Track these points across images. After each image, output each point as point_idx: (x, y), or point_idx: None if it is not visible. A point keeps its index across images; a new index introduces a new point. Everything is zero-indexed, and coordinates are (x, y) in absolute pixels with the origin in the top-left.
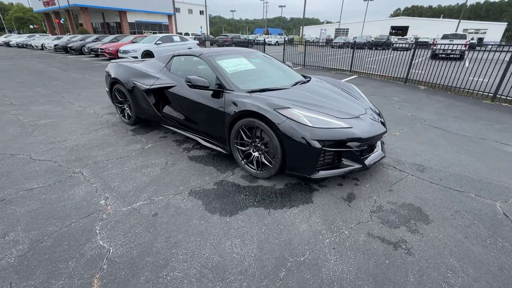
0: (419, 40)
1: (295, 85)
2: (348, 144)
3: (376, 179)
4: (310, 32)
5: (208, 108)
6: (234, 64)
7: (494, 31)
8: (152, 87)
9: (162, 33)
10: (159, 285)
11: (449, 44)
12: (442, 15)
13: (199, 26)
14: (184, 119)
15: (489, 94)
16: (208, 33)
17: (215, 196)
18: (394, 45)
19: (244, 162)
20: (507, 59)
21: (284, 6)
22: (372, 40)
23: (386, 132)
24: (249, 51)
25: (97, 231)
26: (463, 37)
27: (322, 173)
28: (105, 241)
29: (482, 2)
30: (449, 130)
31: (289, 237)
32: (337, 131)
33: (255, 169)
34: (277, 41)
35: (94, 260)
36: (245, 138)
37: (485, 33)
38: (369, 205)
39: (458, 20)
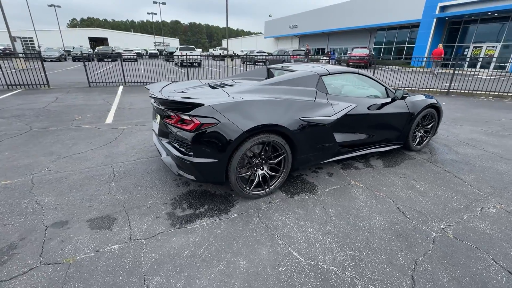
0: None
1: None
2: None
3: None
4: None
5: (397, 115)
6: None
7: (173, 43)
8: (338, 116)
9: None
10: None
11: (190, 55)
12: (132, 30)
13: None
14: (362, 139)
15: None
16: None
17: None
18: (124, 56)
19: (415, 145)
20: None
21: None
22: (98, 51)
23: None
24: None
25: None
26: (192, 49)
27: None
28: None
29: (145, 21)
30: None
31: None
32: None
33: (419, 146)
34: None
35: None
36: (423, 125)
37: (168, 44)
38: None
39: (150, 35)
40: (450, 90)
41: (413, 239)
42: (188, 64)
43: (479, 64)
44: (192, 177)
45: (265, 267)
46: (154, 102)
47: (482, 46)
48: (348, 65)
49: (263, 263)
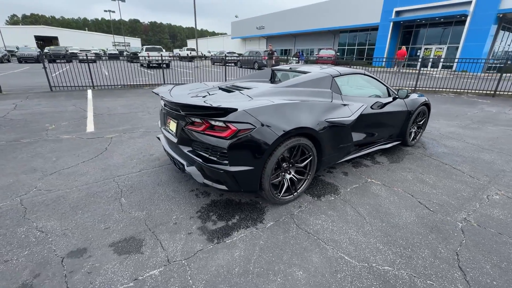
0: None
1: None
2: None
3: None
4: None
5: (399, 113)
6: None
7: (134, 43)
8: (355, 116)
9: None
10: None
11: (158, 57)
12: (86, 28)
13: None
14: (371, 137)
15: None
16: None
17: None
18: (79, 57)
19: (410, 140)
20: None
21: None
22: (49, 51)
23: None
24: None
25: None
26: (160, 50)
27: None
28: None
29: (100, 19)
30: None
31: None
32: None
33: (414, 141)
34: None
35: None
36: (416, 121)
37: (129, 44)
38: None
39: (107, 34)
40: (417, 88)
41: (445, 230)
42: (155, 65)
43: (430, 64)
44: (222, 187)
45: (324, 275)
46: (166, 107)
47: (431, 48)
48: None
49: (320, 271)
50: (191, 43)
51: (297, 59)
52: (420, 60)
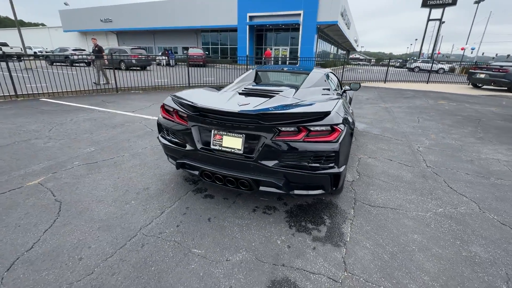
0: None
1: None
2: None
3: None
4: None
5: (348, 101)
6: None
7: None
8: (350, 106)
9: None
10: None
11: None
12: None
13: None
14: None
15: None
16: None
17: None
18: None
19: None
20: None
21: None
22: None
23: None
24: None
25: None
26: None
27: None
28: None
29: None
30: None
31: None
32: None
33: None
34: None
35: None
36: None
37: None
38: None
39: None
40: None
41: (431, 176)
42: None
43: (279, 61)
44: (318, 192)
45: (425, 230)
46: (217, 120)
47: (279, 49)
48: (188, 65)
49: (421, 229)
50: None
51: (166, 58)
52: (272, 58)
